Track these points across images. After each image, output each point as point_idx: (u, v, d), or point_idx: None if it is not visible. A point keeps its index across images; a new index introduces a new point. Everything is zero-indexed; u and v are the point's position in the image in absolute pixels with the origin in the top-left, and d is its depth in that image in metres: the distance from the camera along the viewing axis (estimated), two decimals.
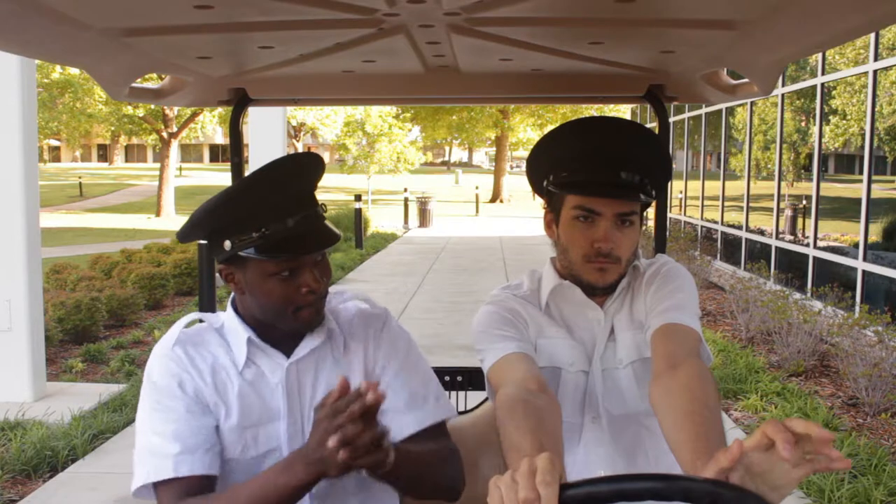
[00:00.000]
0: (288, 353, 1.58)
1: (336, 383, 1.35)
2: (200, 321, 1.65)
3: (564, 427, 1.48)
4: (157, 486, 1.46)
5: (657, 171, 1.62)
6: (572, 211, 1.59)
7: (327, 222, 1.55)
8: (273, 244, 1.46)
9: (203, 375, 1.55)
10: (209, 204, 1.46)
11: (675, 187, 15.66)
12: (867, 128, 7.49)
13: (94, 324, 7.64)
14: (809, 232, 8.88)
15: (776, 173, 10.08)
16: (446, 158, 69.36)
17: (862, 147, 7.64)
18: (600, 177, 1.55)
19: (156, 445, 1.48)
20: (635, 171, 1.56)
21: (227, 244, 1.47)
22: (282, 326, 1.55)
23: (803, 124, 9.75)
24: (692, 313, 1.57)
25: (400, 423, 1.56)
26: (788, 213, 9.90)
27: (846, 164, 8.91)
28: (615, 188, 1.55)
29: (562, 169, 1.60)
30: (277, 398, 1.56)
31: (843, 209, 8.55)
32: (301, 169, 1.53)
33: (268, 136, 11.28)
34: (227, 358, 1.57)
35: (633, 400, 1.63)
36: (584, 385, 1.64)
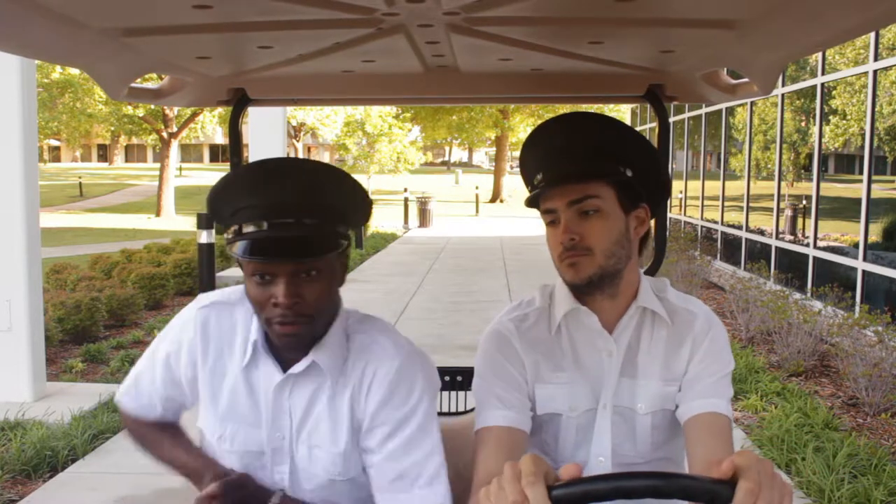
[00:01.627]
0: (286, 367, 1.53)
1: (326, 421, 1.48)
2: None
3: None
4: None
5: (620, 146, 1.55)
6: (543, 218, 1.57)
7: (322, 238, 1.43)
8: (248, 244, 1.41)
9: (207, 353, 1.57)
10: (209, 193, 1.46)
11: (675, 187, 15.66)
12: (867, 128, 7.49)
13: (94, 324, 7.64)
14: (809, 232, 8.88)
15: (776, 173, 10.08)
16: (446, 158, 69.36)
17: (862, 147, 7.64)
18: (549, 174, 1.52)
19: (136, 367, 1.70)
20: (585, 156, 1.51)
21: (225, 235, 1.48)
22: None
23: (803, 124, 9.75)
24: (729, 391, 1.57)
25: (379, 501, 1.52)
26: (788, 213, 9.90)
27: (846, 164, 8.91)
28: (560, 177, 1.50)
29: (528, 185, 1.60)
30: (263, 407, 1.55)
31: (843, 209, 8.55)
32: (284, 173, 1.44)
33: (268, 136, 11.28)
34: (242, 345, 1.56)
35: (644, 445, 1.60)
36: (589, 424, 1.60)
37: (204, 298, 1.62)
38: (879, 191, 7.57)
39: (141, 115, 24.75)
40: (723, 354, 1.60)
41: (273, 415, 1.53)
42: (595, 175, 1.51)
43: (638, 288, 1.61)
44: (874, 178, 7.49)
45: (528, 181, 1.60)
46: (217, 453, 1.59)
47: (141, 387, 1.68)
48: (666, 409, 1.59)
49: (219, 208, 1.46)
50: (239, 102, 2.16)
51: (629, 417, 1.60)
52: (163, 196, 24.76)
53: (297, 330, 1.44)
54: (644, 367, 1.60)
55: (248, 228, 1.41)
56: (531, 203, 1.58)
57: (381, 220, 22.65)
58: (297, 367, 1.51)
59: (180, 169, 44.59)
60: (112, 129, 30.11)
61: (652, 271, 2.03)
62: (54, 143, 57.24)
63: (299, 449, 1.53)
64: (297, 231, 1.40)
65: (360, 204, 1.53)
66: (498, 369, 1.59)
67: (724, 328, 1.65)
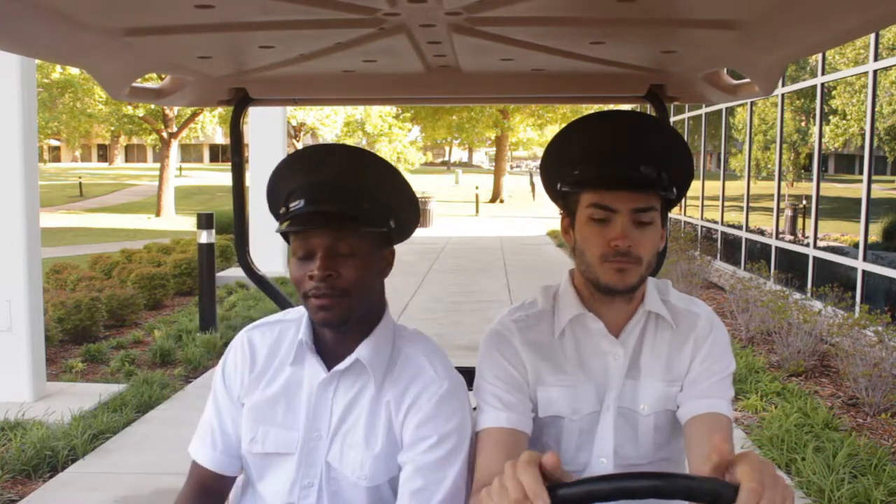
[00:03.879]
0: (331, 365, 1.54)
1: (364, 421, 1.50)
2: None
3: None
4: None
5: (676, 166, 1.56)
6: (587, 210, 1.51)
7: (356, 215, 1.47)
8: (289, 222, 1.48)
9: (254, 363, 1.60)
10: (268, 183, 1.57)
11: None
12: (867, 128, 7.49)
13: (94, 324, 7.65)
14: (809, 232, 8.89)
15: (776, 173, 10.08)
16: (446, 158, 69.33)
17: (862, 147, 7.64)
18: (614, 170, 1.49)
19: (202, 420, 1.65)
20: (652, 164, 1.50)
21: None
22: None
23: (803, 124, 9.75)
24: (730, 392, 1.58)
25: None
26: (788, 213, 9.90)
27: (846, 164, 8.92)
28: (630, 181, 1.48)
29: (573, 167, 1.54)
30: (304, 407, 1.56)
31: (843, 209, 8.56)
32: (326, 156, 1.52)
33: (268, 136, 11.30)
34: (287, 350, 1.59)
35: (646, 446, 1.60)
36: (592, 427, 1.60)
37: (248, 326, 1.68)
38: (879, 191, 7.57)
39: (141, 115, 24.73)
40: (724, 355, 1.61)
41: (314, 413, 1.54)
42: (661, 187, 1.51)
43: (644, 291, 1.62)
44: (874, 178, 7.49)
45: (566, 162, 1.57)
46: (249, 463, 1.60)
47: (214, 431, 1.62)
48: (668, 409, 1.60)
49: (276, 194, 1.54)
50: (240, 102, 2.16)
51: (632, 419, 1.60)
52: (163, 196, 24.75)
53: (331, 303, 1.46)
54: (647, 368, 1.60)
55: (291, 205, 1.49)
56: (577, 185, 1.53)
57: None
58: (342, 365, 1.53)
59: (180, 169, 44.58)
60: (112, 129, 30.08)
61: (653, 272, 2.03)
62: (54, 143, 57.23)
63: (333, 448, 1.54)
64: (331, 207, 1.46)
65: (401, 196, 1.57)
66: (498, 370, 1.59)
67: (725, 329, 1.66)
